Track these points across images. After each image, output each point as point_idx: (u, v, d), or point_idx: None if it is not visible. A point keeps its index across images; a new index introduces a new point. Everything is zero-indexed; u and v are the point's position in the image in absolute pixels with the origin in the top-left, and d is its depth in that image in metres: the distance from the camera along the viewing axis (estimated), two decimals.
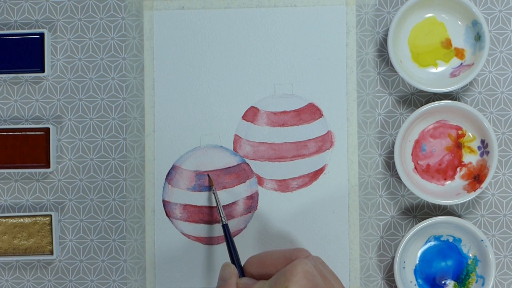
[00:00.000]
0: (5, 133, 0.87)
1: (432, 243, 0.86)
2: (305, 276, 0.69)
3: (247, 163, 0.87)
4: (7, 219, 0.87)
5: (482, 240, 0.84)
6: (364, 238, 0.87)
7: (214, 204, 0.87)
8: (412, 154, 0.87)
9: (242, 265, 0.77)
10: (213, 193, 0.85)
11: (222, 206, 0.87)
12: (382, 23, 0.88)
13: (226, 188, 0.87)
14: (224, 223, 0.82)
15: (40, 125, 0.88)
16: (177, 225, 0.87)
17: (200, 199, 0.87)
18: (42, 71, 0.87)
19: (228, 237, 0.80)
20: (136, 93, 0.88)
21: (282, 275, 0.70)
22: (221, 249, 0.87)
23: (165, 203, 0.88)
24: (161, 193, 0.88)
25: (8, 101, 0.89)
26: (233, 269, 0.75)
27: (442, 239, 0.86)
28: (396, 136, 0.85)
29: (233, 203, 0.87)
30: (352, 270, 0.87)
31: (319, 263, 0.75)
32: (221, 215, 0.82)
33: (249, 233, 0.87)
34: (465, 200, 0.84)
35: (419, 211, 0.87)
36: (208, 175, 0.87)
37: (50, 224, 0.87)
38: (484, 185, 0.84)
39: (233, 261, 0.78)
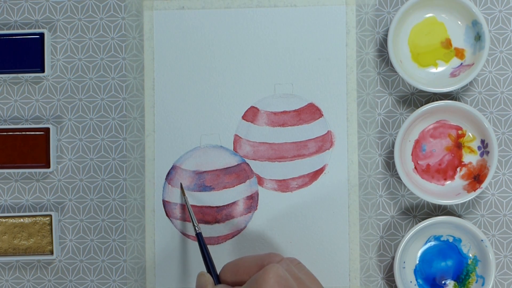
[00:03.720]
0: (5, 133, 0.87)
1: (432, 243, 0.86)
2: (277, 281, 0.69)
3: (247, 163, 0.87)
4: (7, 219, 0.87)
5: (482, 240, 0.84)
6: (364, 238, 0.87)
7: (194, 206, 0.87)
8: (412, 154, 0.87)
9: (218, 272, 0.77)
10: (185, 202, 0.85)
11: (223, 206, 0.87)
12: (382, 23, 0.88)
13: (226, 188, 0.87)
14: (197, 231, 0.81)
15: (40, 125, 0.88)
16: (177, 225, 0.87)
17: (200, 199, 0.87)
18: (42, 71, 0.87)
19: (203, 246, 0.80)
20: (136, 93, 0.88)
21: (254, 281, 0.69)
22: (221, 249, 0.87)
23: (165, 203, 0.88)
24: (161, 193, 0.88)
25: (8, 101, 0.89)
26: (208, 278, 0.76)
27: (442, 239, 0.86)
28: (396, 136, 0.85)
29: (233, 203, 0.87)
30: (352, 270, 0.87)
31: (294, 264, 0.75)
32: (194, 223, 0.82)
33: (249, 233, 0.87)
34: (465, 200, 0.84)
35: (419, 211, 0.87)
36: (181, 183, 0.87)
37: (50, 224, 0.87)
38: (484, 185, 0.84)
39: (208, 270, 0.79)
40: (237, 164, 0.88)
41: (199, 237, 0.81)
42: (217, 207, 0.87)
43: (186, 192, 0.86)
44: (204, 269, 0.80)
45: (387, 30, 0.87)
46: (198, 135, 0.88)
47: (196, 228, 0.82)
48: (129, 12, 0.89)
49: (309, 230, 0.87)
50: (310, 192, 0.87)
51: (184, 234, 0.87)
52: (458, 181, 0.86)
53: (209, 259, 0.79)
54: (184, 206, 0.87)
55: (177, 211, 0.87)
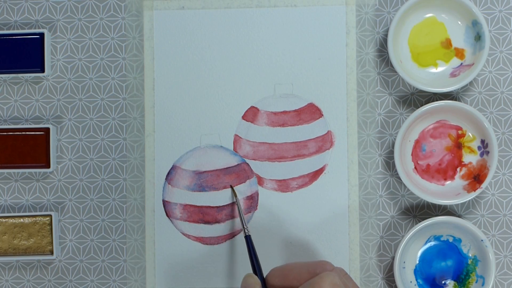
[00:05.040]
0: (5, 133, 0.87)
1: (432, 243, 0.86)
2: None
3: (247, 163, 0.87)
4: (7, 219, 0.87)
5: (482, 240, 0.84)
6: (364, 238, 0.87)
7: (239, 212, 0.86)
8: (412, 154, 0.87)
9: (265, 276, 0.76)
10: (237, 204, 0.85)
11: (223, 206, 0.87)
12: (382, 23, 0.88)
13: (226, 188, 0.87)
14: (247, 234, 0.81)
15: (40, 125, 0.88)
16: (177, 225, 0.87)
17: (200, 199, 0.87)
18: (42, 71, 0.87)
19: (251, 248, 0.80)
20: (136, 93, 0.88)
21: (309, 287, 0.69)
22: (221, 249, 0.87)
23: (165, 203, 0.88)
24: (161, 193, 0.88)
25: (8, 101, 0.89)
26: (256, 280, 0.75)
27: (442, 239, 0.86)
28: (396, 136, 0.85)
29: (233, 203, 0.87)
30: (352, 270, 0.87)
31: (343, 275, 0.75)
32: (244, 226, 0.82)
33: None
34: (465, 200, 0.84)
35: (419, 211, 0.87)
36: (231, 186, 0.87)
37: (50, 224, 0.87)
38: (484, 185, 0.84)
39: (255, 272, 0.78)
40: (237, 164, 0.88)
41: (248, 239, 0.81)
42: (217, 207, 0.87)
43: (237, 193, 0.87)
44: (250, 271, 0.80)
45: (387, 30, 0.87)
46: (198, 135, 0.88)
47: (246, 231, 0.81)
48: (129, 12, 0.89)
49: (309, 230, 0.87)
50: (310, 192, 0.87)
51: (184, 234, 0.87)
52: (458, 181, 0.86)
53: (257, 261, 0.79)
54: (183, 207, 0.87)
55: (177, 211, 0.87)
